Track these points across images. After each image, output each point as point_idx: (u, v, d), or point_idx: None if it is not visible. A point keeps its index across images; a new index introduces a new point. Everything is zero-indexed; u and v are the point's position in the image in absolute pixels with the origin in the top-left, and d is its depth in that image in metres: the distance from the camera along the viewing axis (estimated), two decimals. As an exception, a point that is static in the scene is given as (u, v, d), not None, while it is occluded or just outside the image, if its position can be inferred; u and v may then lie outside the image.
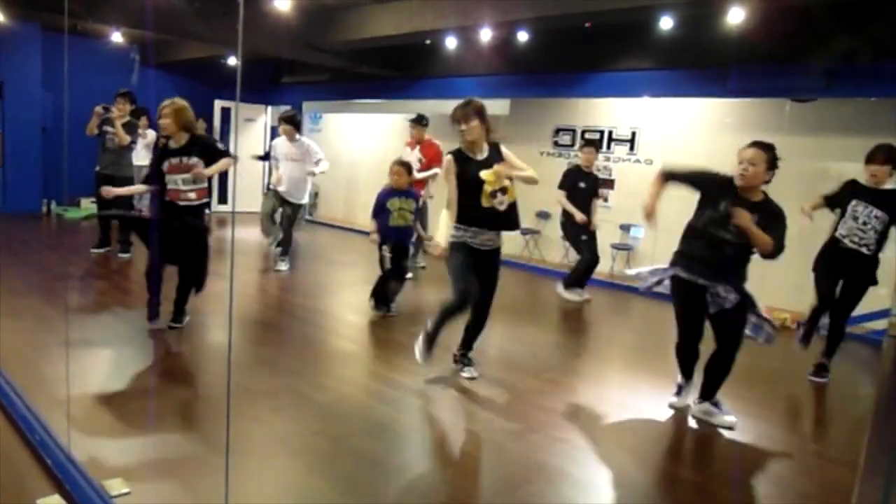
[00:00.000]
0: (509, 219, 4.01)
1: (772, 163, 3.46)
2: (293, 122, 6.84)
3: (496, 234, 4.05)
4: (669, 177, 3.73)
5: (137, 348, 4.25)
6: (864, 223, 4.31)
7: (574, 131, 8.80)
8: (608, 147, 8.48)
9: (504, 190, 3.93)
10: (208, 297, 5.48)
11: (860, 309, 4.73)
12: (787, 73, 6.39)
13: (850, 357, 5.23)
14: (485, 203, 3.91)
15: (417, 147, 7.17)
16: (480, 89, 9.31)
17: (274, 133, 12.04)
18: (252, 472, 2.77)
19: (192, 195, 4.40)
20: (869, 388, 4.68)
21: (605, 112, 8.53)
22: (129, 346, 4.27)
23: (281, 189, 6.89)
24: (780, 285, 6.06)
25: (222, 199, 12.01)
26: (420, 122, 7.17)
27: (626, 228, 8.21)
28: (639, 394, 4.21)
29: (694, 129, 7.73)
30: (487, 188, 3.88)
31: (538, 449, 3.25)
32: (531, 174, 4.04)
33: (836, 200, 4.53)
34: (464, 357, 4.24)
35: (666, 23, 6.36)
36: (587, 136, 8.62)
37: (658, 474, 3.18)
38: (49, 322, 4.54)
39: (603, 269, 8.35)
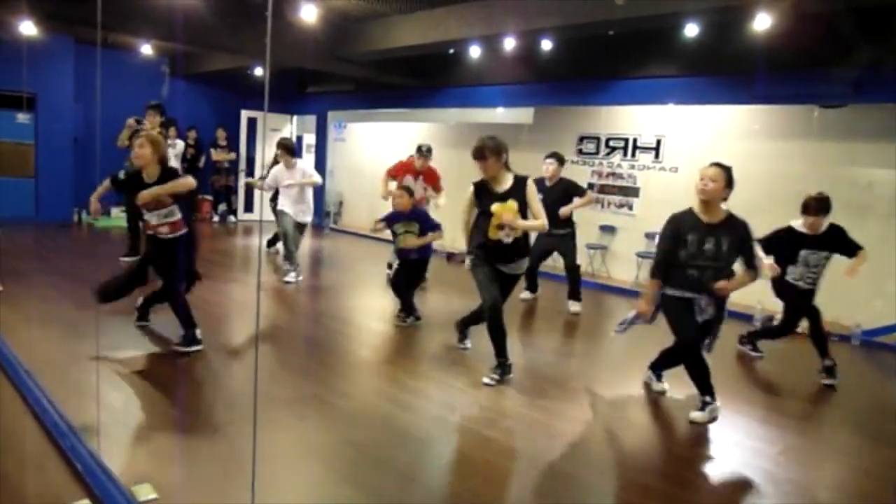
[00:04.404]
0: (513, 251, 4.14)
1: (729, 181, 3.76)
2: (288, 149, 6.72)
3: (514, 263, 4.20)
4: (657, 269, 3.90)
5: (166, 356, 4.31)
6: (815, 266, 4.70)
7: (598, 139, 8.76)
8: (633, 155, 8.42)
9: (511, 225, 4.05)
10: (234, 305, 5.55)
11: (887, 320, 4.69)
12: (815, 79, 6.30)
13: (880, 366, 5.11)
14: (491, 235, 4.08)
15: (421, 177, 7.09)
16: (504, 98, 9.33)
17: (300, 142, 12.17)
18: (278, 479, 2.79)
19: (165, 229, 4.30)
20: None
21: (630, 119, 8.47)
22: (158, 354, 4.34)
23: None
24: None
25: (248, 208, 12.18)
26: (420, 151, 7.09)
27: (651, 237, 8.13)
28: (656, 402, 4.16)
29: (720, 137, 7.63)
30: (494, 221, 4.03)
31: (561, 457, 3.23)
32: (537, 224, 4.12)
33: (776, 247, 4.73)
34: (497, 367, 4.24)
35: (691, 30, 6.30)
36: (611, 143, 8.59)
37: (676, 480, 3.13)
38: (80, 329, 4.62)
39: (627, 277, 8.29)
